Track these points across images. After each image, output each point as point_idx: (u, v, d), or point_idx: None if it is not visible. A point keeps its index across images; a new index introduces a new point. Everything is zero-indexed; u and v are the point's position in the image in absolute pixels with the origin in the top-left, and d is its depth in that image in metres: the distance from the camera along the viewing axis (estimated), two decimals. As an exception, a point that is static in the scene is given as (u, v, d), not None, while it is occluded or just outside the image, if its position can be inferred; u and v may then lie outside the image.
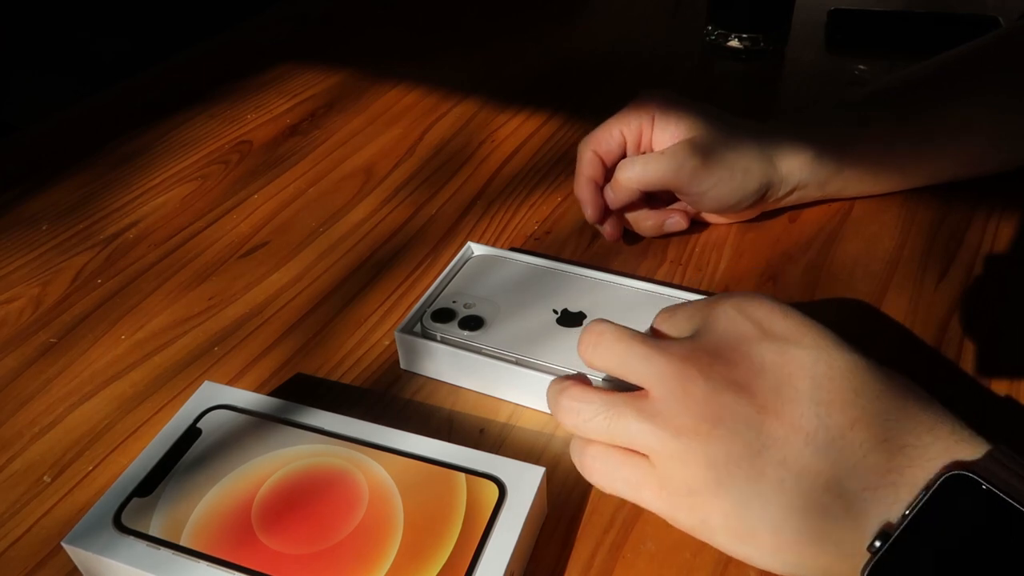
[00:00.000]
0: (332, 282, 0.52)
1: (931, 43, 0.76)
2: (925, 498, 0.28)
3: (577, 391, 0.34)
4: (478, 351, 0.43)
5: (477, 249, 0.49)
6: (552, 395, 0.35)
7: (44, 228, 0.59)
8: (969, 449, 0.30)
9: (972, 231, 0.53)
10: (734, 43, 0.76)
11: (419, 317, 0.45)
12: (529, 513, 0.34)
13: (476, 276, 0.47)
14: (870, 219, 0.54)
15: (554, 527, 0.37)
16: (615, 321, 0.35)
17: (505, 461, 0.36)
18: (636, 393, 0.33)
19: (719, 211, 0.52)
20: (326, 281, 0.53)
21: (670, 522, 0.33)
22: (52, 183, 0.63)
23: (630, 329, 0.34)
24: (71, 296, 0.52)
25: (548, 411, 0.42)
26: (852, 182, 0.54)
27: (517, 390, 0.43)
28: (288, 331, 0.49)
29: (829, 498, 0.30)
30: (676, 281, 0.51)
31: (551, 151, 0.64)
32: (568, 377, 0.35)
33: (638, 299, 0.46)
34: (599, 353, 0.34)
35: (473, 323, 0.44)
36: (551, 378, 0.41)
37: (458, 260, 0.49)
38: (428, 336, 0.44)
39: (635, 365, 0.33)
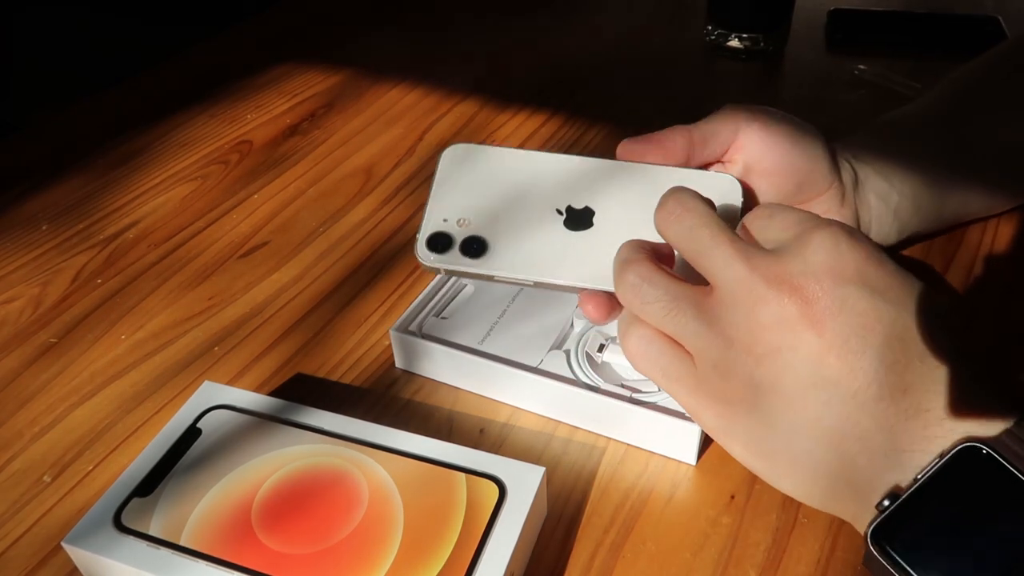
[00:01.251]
0: (332, 282, 0.53)
1: (931, 43, 0.76)
2: (937, 465, 0.29)
3: (645, 269, 0.33)
4: (489, 279, 0.38)
5: (451, 150, 0.42)
6: (619, 263, 0.34)
7: (44, 228, 0.59)
8: (996, 427, 0.30)
9: (972, 231, 0.53)
10: (734, 43, 0.76)
11: (415, 316, 0.45)
12: (529, 513, 0.34)
13: (459, 182, 0.41)
14: (870, 219, 0.54)
15: (554, 527, 0.37)
16: (629, 207, 0.34)
17: (505, 461, 0.36)
18: (702, 289, 0.32)
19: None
20: (326, 281, 0.53)
21: (692, 417, 0.35)
22: (52, 183, 0.63)
23: (718, 218, 0.32)
24: (71, 296, 0.52)
25: (545, 414, 0.42)
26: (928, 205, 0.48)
27: (512, 391, 0.43)
28: (288, 331, 0.49)
29: (858, 447, 0.30)
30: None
31: (551, 151, 0.64)
32: (643, 247, 0.34)
33: (649, 183, 0.39)
34: (678, 230, 0.33)
35: (476, 246, 0.38)
36: (547, 380, 0.41)
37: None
38: (433, 267, 0.39)
39: (713, 261, 0.32)
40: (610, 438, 0.41)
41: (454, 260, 0.38)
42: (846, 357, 0.30)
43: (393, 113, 0.70)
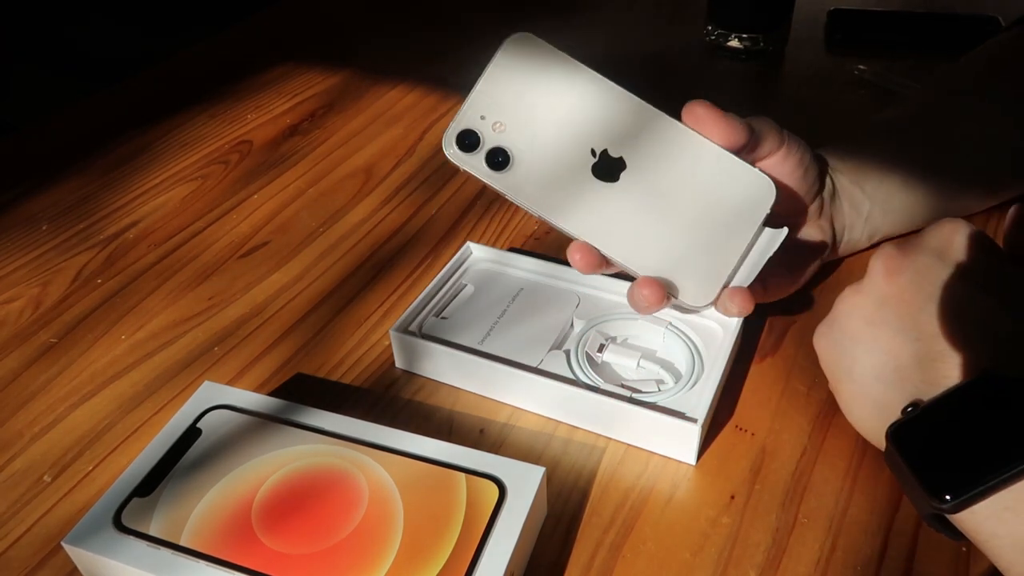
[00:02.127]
0: (332, 282, 0.53)
1: (931, 43, 0.76)
2: (959, 385, 0.33)
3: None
4: (502, 195, 0.39)
5: (521, 41, 0.40)
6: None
7: (44, 228, 0.59)
8: None
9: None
10: (734, 43, 0.76)
11: (415, 316, 0.45)
12: (529, 513, 0.34)
13: (511, 79, 0.38)
14: (870, 219, 0.54)
15: (554, 527, 0.37)
16: (660, 173, 0.37)
17: (505, 461, 0.36)
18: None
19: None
20: (326, 281, 0.53)
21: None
22: (52, 183, 0.63)
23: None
24: (71, 296, 0.52)
25: (545, 414, 0.42)
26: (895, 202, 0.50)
27: (512, 391, 0.43)
28: (288, 331, 0.49)
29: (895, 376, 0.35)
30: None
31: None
32: None
33: (690, 156, 0.39)
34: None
35: (501, 159, 0.38)
36: (547, 380, 0.41)
37: (457, 259, 0.49)
38: (454, 162, 0.39)
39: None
40: (610, 438, 0.41)
41: (475, 164, 0.38)
42: (954, 345, 0.34)
43: (393, 113, 0.70)
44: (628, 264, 0.39)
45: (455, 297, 0.47)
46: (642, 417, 0.40)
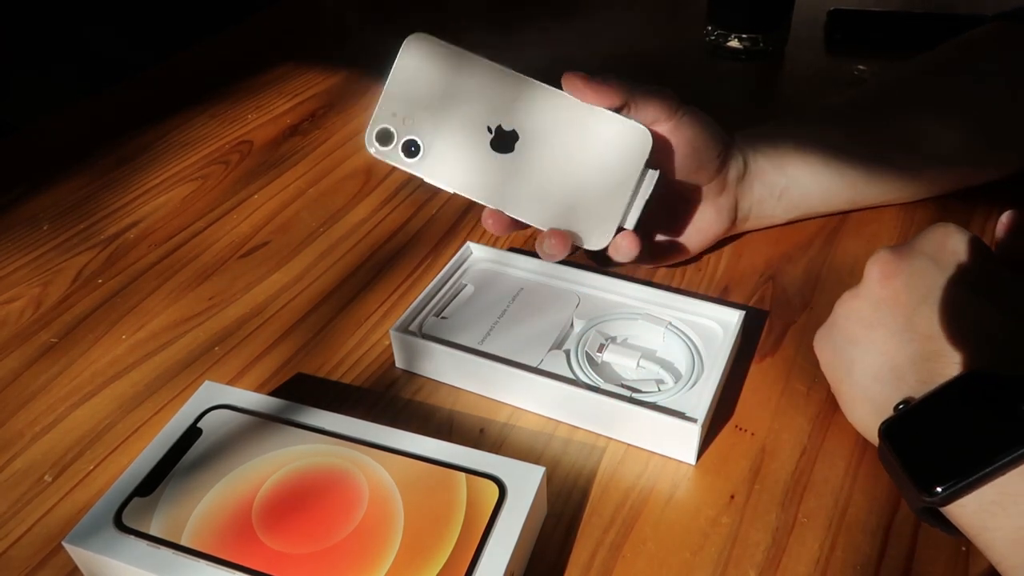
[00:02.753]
0: (332, 282, 0.53)
1: (931, 43, 0.76)
2: (947, 383, 0.33)
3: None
4: (421, 181, 0.43)
5: (416, 42, 0.44)
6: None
7: (44, 228, 0.59)
8: None
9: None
10: (734, 43, 0.76)
11: (415, 316, 0.46)
12: (529, 513, 0.34)
13: (413, 77, 0.43)
14: (869, 219, 0.54)
15: (554, 527, 0.37)
16: (548, 138, 0.42)
17: (505, 461, 0.36)
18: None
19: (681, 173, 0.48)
20: (326, 281, 0.53)
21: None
22: (52, 183, 0.63)
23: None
24: (71, 296, 0.52)
25: (545, 414, 0.43)
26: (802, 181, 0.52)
27: (512, 391, 0.43)
28: (288, 331, 0.49)
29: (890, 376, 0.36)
30: (675, 284, 0.51)
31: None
32: None
33: (574, 120, 0.43)
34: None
35: (413, 148, 0.43)
36: (547, 380, 0.41)
37: (457, 259, 0.49)
38: (378, 158, 0.44)
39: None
40: (610, 438, 0.41)
41: (394, 156, 0.43)
42: (949, 342, 0.34)
43: (393, 113, 0.70)
44: (533, 222, 0.44)
45: (455, 297, 0.48)
46: (642, 417, 0.40)
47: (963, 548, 0.35)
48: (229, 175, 0.64)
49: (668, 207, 0.48)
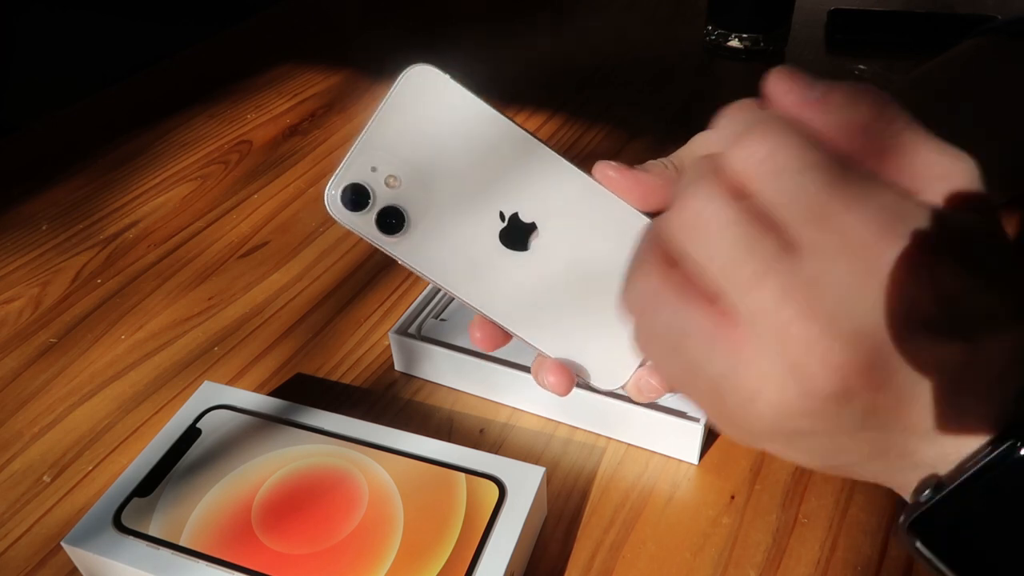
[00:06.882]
0: (332, 282, 0.53)
1: (931, 43, 0.76)
2: (987, 464, 0.25)
3: None
4: (395, 260, 0.32)
5: (421, 75, 0.30)
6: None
7: (44, 228, 0.59)
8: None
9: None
10: (734, 43, 0.76)
11: (414, 318, 0.45)
12: (529, 513, 0.34)
13: (410, 122, 0.31)
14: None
15: (554, 527, 0.37)
16: (575, 241, 0.30)
17: (505, 461, 0.36)
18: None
19: None
20: (326, 281, 0.53)
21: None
22: (52, 183, 0.63)
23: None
24: (71, 296, 0.52)
25: (545, 415, 0.42)
26: None
27: (512, 392, 0.43)
28: (288, 331, 0.49)
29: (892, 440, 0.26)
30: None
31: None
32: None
33: (606, 222, 0.32)
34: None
35: (394, 220, 0.31)
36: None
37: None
38: (337, 220, 0.32)
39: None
40: (610, 438, 0.41)
41: (364, 225, 0.31)
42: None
43: (393, 113, 0.70)
44: (537, 345, 0.33)
45: (454, 299, 0.47)
46: (644, 417, 0.40)
47: (964, 548, 0.35)
48: (229, 175, 0.64)
49: None
